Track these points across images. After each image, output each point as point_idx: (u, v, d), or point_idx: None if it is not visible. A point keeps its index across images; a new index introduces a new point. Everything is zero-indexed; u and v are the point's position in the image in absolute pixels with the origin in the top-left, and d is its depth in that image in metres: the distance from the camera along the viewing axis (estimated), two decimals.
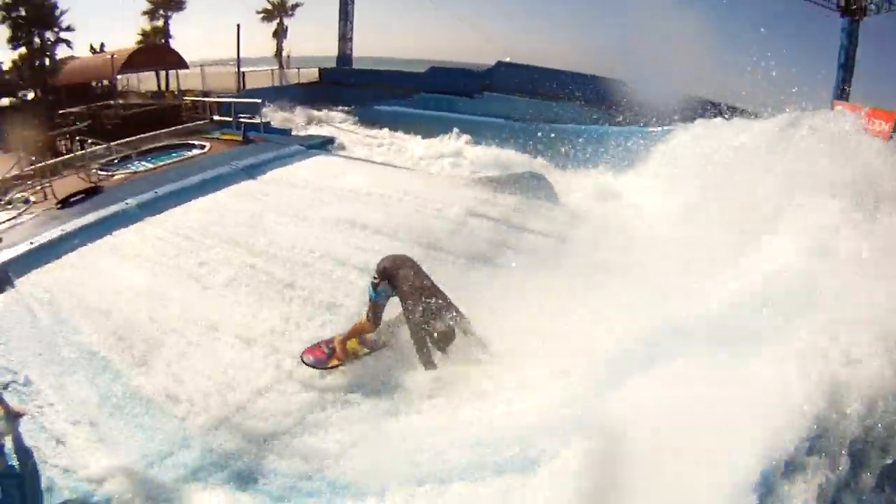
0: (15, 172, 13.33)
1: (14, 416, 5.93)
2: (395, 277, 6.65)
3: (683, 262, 7.76)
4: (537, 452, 4.66)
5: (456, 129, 21.07)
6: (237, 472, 5.49)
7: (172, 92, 25.49)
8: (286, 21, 32.62)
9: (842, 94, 22.72)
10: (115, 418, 6.11)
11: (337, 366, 6.74)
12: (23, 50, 31.65)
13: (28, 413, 6.10)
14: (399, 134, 21.71)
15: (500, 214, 11.00)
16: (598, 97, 21.47)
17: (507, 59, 26.01)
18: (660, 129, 17.54)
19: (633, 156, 16.86)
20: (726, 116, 15.79)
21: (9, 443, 5.67)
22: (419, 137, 21.11)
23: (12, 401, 6.18)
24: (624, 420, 4.18)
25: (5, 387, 6.48)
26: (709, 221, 10.76)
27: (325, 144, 16.39)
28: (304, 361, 6.74)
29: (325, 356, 6.83)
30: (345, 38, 28.29)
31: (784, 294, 4.72)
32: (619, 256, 9.25)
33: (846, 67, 23.79)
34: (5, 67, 33.34)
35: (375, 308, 6.83)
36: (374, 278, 6.77)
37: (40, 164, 13.01)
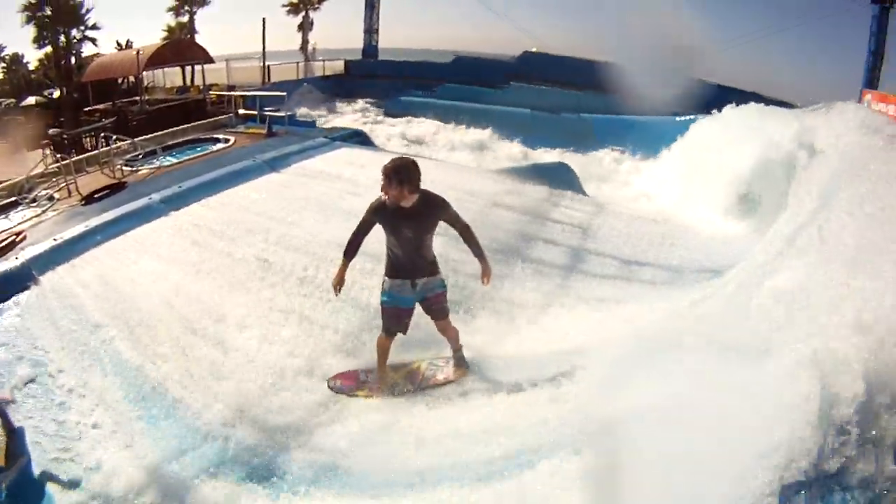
0: (40, 170, 13.42)
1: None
2: None
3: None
4: (538, 455, 4.57)
5: (478, 121, 21.07)
6: (256, 467, 5.32)
7: (198, 87, 25.65)
8: (312, 14, 32.89)
9: (871, 82, 22.56)
10: (135, 412, 6.03)
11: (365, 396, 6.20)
12: (49, 49, 32.18)
13: (13, 400, 6.00)
14: (424, 124, 21.66)
15: (525, 205, 10.78)
16: (625, 86, 21.43)
17: (534, 50, 25.92)
18: (688, 117, 17.36)
19: (661, 144, 16.74)
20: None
21: None
22: (445, 128, 21.07)
23: (36, 392, 6.29)
24: (627, 422, 3.99)
25: (32, 380, 6.44)
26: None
27: (350, 136, 16.18)
28: (329, 386, 6.27)
29: (355, 384, 6.33)
30: (370, 30, 28.29)
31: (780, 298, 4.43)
32: (633, 252, 9.47)
33: (876, 55, 23.76)
34: (32, 66, 33.64)
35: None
36: None
37: (65, 162, 12.96)
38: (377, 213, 5.49)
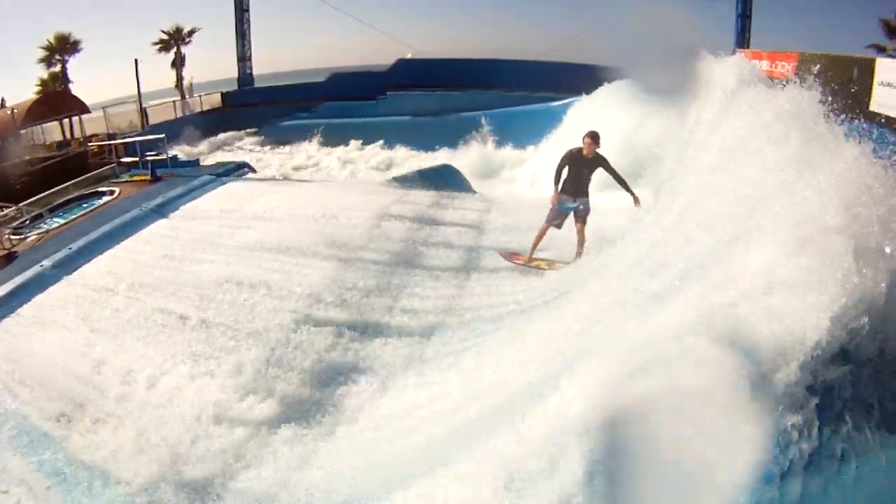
0: None
1: None
2: None
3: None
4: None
5: (360, 135, 21.69)
6: None
7: (78, 139, 25.10)
8: (184, 49, 32.42)
9: (742, 42, 23.81)
10: (56, 489, 5.95)
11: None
12: None
13: None
14: (306, 147, 22.30)
15: (415, 212, 11.32)
16: (504, 80, 22.13)
17: (409, 56, 26.48)
18: (564, 101, 18.19)
19: (543, 131, 17.51)
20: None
21: None
22: (327, 148, 21.51)
23: None
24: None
25: None
26: None
27: (234, 170, 16.60)
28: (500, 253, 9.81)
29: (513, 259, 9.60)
30: (244, 58, 28.47)
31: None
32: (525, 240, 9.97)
33: (744, 17, 25.13)
34: None
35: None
36: None
37: None
38: (569, 157, 9.13)
